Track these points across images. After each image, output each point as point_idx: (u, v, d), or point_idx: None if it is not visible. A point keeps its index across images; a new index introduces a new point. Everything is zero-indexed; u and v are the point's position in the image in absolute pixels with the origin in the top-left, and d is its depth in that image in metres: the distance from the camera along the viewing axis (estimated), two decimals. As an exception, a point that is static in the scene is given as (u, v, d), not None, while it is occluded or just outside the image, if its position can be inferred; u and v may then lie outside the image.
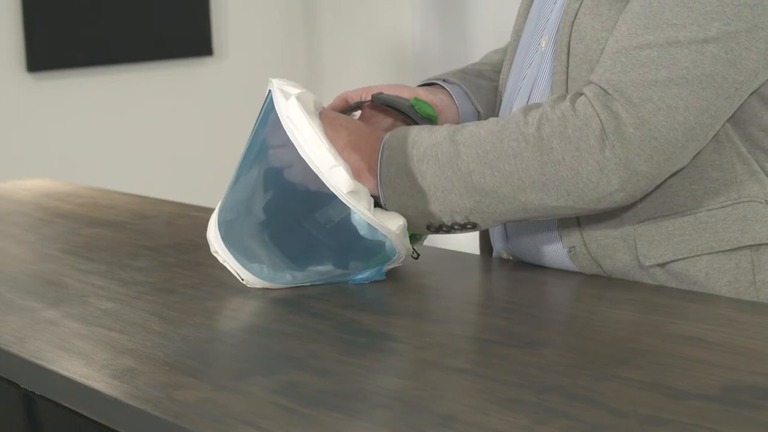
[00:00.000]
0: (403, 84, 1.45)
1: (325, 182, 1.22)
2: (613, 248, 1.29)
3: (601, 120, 1.17)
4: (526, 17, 1.43)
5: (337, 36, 4.63)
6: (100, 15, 4.03)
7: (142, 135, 4.20)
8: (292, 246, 1.29)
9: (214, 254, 1.33)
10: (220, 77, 4.43)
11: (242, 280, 1.31)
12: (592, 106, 1.18)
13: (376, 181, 1.26)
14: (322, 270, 1.30)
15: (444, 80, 1.47)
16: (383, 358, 1.09)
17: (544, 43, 1.35)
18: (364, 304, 1.28)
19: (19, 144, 3.90)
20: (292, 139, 1.23)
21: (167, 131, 4.27)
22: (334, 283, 1.32)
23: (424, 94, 1.44)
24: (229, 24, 4.45)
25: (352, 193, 1.23)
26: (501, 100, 1.44)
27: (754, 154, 1.28)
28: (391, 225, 1.25)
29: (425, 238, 1.42)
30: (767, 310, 1.22)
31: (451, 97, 1.45)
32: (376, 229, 1.24)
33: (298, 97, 1.24)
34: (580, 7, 1.27)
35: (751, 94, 1.24)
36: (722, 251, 1.26)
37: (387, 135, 1.28)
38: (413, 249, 1.33)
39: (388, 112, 1.43)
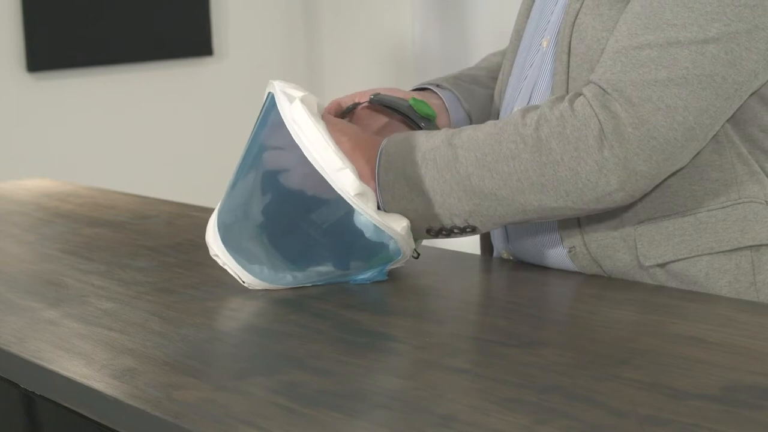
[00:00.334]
0: (396, 88, 1.45)
1: (332, 185, 1.22)
2: (613, 248, 1.29)
3: (599, 120, 1.17)
4: (527, 17, 1.43)
5: (337, 36, 4.63)
6: (100, 15, 4.03)
7: (142, 135, 4.21)
8: (292, 247, 1.29)
9: (214, 257, 1.33)
10: (220, 77, 4.43)
11: (243, 282, 1.31)
12: (591, 106, 1.18)
13: (376, 187, 1.26)
14: (323, 270, 1.30)
15: (437, 85, 1.47)
16: (383, 358, 1.09)
17: (545, 44, 1.34)
18: (364, 304, 1.28)
19: (19, 144, 3.90)
20: (297, 142, 1.23)
21: (167, 131, 4.28)
22: (334, 283, 1.32)
23: (419, 97, 1.43)
24: (229, 24, 4.46)
25: (360, 195, 1.23)
26: (501, 101, 1.44)
27: (754, 154, 1.28)
28: (397, 226, 1.25)
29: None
30: (767, 311, 1.22)
31: (443, 102, 1.45)
32: (382, 231, 1.24)
33: (302, 100, 1.24)
34: (581, 7, 1.27)
35: (752, 94, 1.24)
36: (722, 252, 1.26)
37: (385, 141, 1.28)
38: (414, 249, 1.33)
39: (383, 112, 1.43)
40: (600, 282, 1.31)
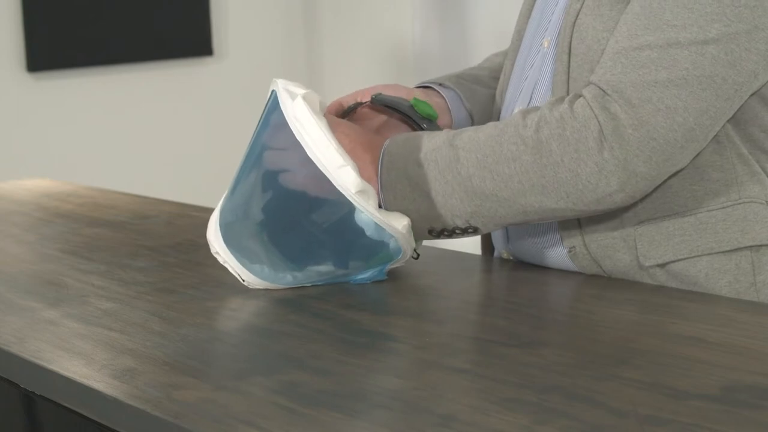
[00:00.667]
0: (397, 84, 1.45)
1: (333, 182, 1.22)
2: (614, 248, 1.29)
3: (599, 121, 1.17)
4: (528, 17, 1.43)
5: (337, 36, 4.63)
6: (100, 15, 4.03)
7: (142, 135, 4.21)
8: (293, 246, 1.29)
9: (215, 255, 1.33)
10: (220, 77, 4.43)
11: (243, 281, 1.31)
12: (591, 107, 1.18)
13: (378, 187, 1.26)
14: (323, 270, 1.30)
15: (440, 84, 1.47)
16: (383, 358, 1.09)
17: (546, 44, 1.35)
18: (364, 304, 1.28)
19: (19, 144, 3.90)
20: (299, 139, 1.23)
21: (167, 131, 4.28)
22: (334, 284, 1.32)
23: (421, 95, 1.44)
24: (229, 24, 4.46)
25: (361, 192, 1.23)
26: (502, 101, 1.44)
27: (755, 155, 1.28)
28: (398, 224, 1.25)
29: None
30: (767, 311, 1.22)
31: (446, 102, 1.45)
32: (383, 229, 1.24)
33: (305, 98, 1.24)
34: (581, 7, 1.27)
35: (752, 95, 1.24)
36: (722, 252, 1.26)
37: (388, 141, 1.28)
38: (414, 249, 1.33)
39: (384, 111, 1.43)
40: (600, 282, 1.31)
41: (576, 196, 1.19)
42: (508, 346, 1.10)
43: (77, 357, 1.12)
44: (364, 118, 1.43)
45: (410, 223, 1.26)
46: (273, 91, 1.29)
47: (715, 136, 1.24)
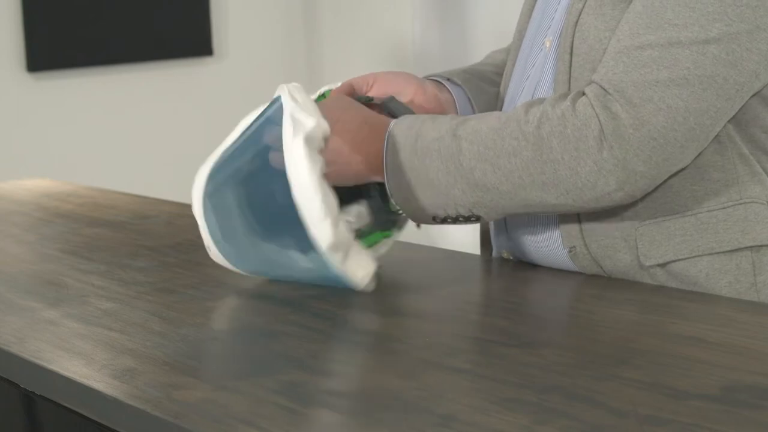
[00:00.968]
0: (408, 72, 1.45)
1: (309, 231, 1.23)
2: (614, 248, 1.29)
3: (600, 120, 1.17)
4: (529, 17, 1.44)
5: (337, 36, 4.63)
6: (100, 15, 4.03)
7: (142, 135, 4.20)
8: (262, 220, 1.30)
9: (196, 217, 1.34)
10: (220, 77, 4.42)
11: (209, 251, 1.33)
12: (592, 106, 1.18)
13: (384, 174, 1.26)
14: (282, 262, 1.30)
15: (448, 79, 1.47)
16: (383, 358, 1.09)
17: (548, 43, 1.35)
18: (364, 304, 1.28)
19: (19, 144, 3.90)
20: (289, 176, 1.23)
21: (167, 131, 4.27)
22: (327, 286, 1.32)
23: (432, 89, 1.44)
24: (229, 24, 4.45)
25: (331, 247, 1.23)
26: (504, 100, 1.44)
27: (756, 155, 1.28)
28: (360, 273, 1.26)
29: (394, 238, 1.43)
30: (767, 311, 1.22)
31: (453, 99, 1.46)
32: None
33: (306, 139, 1.23)
34: (583, 7, 1.27)
35: (753, 95, 1.24)
36: (723, 252, 1.26)
37: (391, 125, 1.28)
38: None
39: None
40: (600, 282, 1.31)
41: (575, 194, 1.19)
42: (508, 346, 1.10)
43: (77, 357, 1.12)
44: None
45: (372, 273, 1.27)
46: (279, 101, 1.28)
47: (717, 136, 1.24)
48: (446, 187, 1.24)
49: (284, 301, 1.29)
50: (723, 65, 1.16)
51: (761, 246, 1.26)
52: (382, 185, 1.33)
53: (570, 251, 1.32)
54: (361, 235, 1.38)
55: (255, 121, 1.32)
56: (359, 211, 1.42)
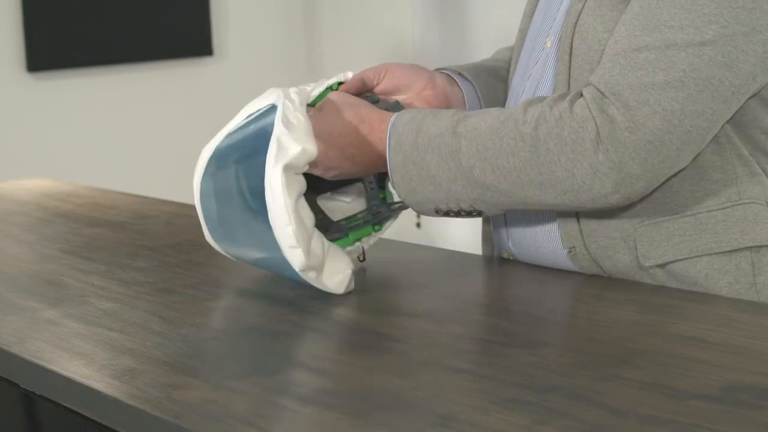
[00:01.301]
0: (419, 65, 1.46)
1: (282, 253, 1.25)
2: (613, 249, 1.29)
3: (596, 123, 1.17)
4: (531, 17, 1.44)
5: (337, 36, 4.63)
6: (100, 15, 4.03)
7: (142, 135, 4.21)
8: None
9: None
10: (220, 77, 4.43)
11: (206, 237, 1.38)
12: (589, 108, 1.18)
13: (388, 168, 1.28)
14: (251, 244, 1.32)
15: (459, 74, 1.47)
16: (383, 358, 1.09)
17: (549, 44, 1.35)
18: (364, 304, 1.28)
19: (19, 144, 3.90)
20: (266, 200, 1.24)
21: (167, 131, 4.27)
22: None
23: (442, 82, 1.44)
24: (229, 24, 4.45)
25: (304, 269, 1.26)
26: (507, 98, 1.45)
27: (755, 156, 1.28)
28: (336, 279, 1.29)
29: (375, 237, 1.44)
30: (767, 311, 1.22)
31: (463, 94, 1.46)
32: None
33: (285, 168, 1.24)
34: (583, 8, 1.27)
35: (752, 96, 1.24)
36: (722, 252, 1.26)
37: (393, 119, 1.29)
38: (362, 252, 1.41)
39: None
40: (600, 282, 1.31)
41: (572, 195, 1.19)
42: (508, 346, 1.10)
43: (77, 357, 1.12)
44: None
45: (350, 276, 1.30)
46: (274, 105, 1.29)
47: (715, 137, 1.24)
48: (447, 182, 1.24)
49: (284, 301, 1.29)
50: (719, 67, 1.16)
51: (761, 246, 1.26)
52: (380, 175, 1.35)
53: (569, 251, 1.32)
54: (351, 227, 1.39)
55: (255, 118, 1.32)
56: (355, 195, 1.44)
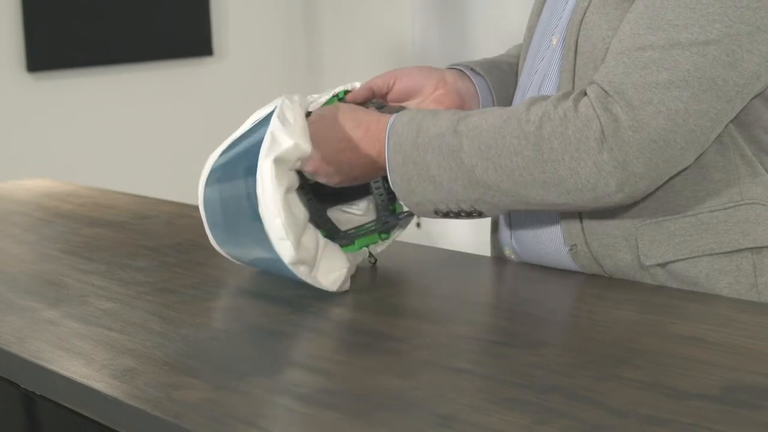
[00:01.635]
0: (429, 66, 1.46)
1: (271, 246, 1.25)
2: (615, 247, 1.29)
3: (601, 122, 1.17)
4: (539, 16, 1.44)
5: (337, 36, 4.63)
6: (100, 15, 4.03)
7: (142, 135, 4.21)
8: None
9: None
10: (220, 77, 4.43)
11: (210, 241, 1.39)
12: (594, 107, 1.18)
13: (386, 168, 1.28)
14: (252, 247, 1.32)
15: (471, 68, 1.47)
16: (383, 358, 1.09)
17: (554, 41, 1.35)
18: (364, 304, 1.28)
19: (19, 144, 3.90)
20: (257, 192, 1.25)
21: (167, 131, 4.28)
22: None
23: (453, 79, 1.44)
24: (229, 24, 4.45)
25: (294, 262, 1.26)
26: (514, 95, 1.45)
27: (758, 156, 1.27)
28: (331, 277, 1.29)
29: (386, 243, 1.44)
30: (767, 311, 1.22)
31: (476, 89, 1.46)
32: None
33: (276, 160, 1.25)
34: (588, 5, 1.28)
35: (756, 96, 1.23)
36: (723, 253, 1.26)
37: (392, 119, 1.29)
38: (371, 255, 1.41)
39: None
40: (600, 282, 1.31)
41: (576, 194, 1.19)
42: (508, 346, 1.10)
43: (77, 357, 1.12)
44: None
45: (345, 275, 1.30)
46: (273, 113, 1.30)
47: (719, 137, 1.24)
48: (448, 182, 1.24)
49: (284, 301, 1.29)
50: (723, 67, 1.16)
51: (762, 247, 1.26)
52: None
53: (571, 249, 1.32)
54: (358, 235, 1.39)
55: (259, 124, 1.33)
56: (366, 207, 1.44)
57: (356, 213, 1.46)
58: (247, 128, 1.35)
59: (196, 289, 1.36)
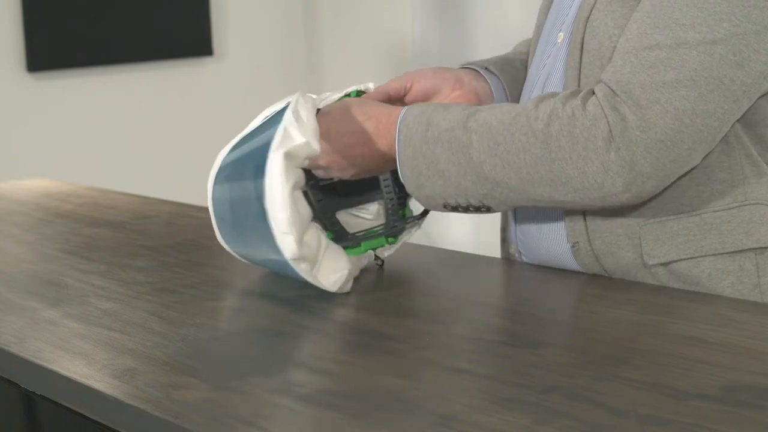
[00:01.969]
0: (442, 67, 1.46)
1: (274, 240, 1.25)
2: (617, 246, 1.29)
3: (608, 121, 1.17)
4: (546, 14, 1.45)
5: (337, 36, 4.63)
6: (100, 15, 4.03)
7: (142, 135, 4.20)
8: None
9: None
10: (220, 77, 4.43)
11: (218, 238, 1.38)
12: (601, 106, 1.18)
13: (396, 161, 1.28)
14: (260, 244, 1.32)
15: (485, 68, 1.47)
16: (383, 358, 1.09)
17: (560, 38, 1.35)
18: (364, 304, 1.28)
19: (19, 144, 3.90)
20: (264, 185, 1.25)
21: (167, 131, 4.27)
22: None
23: (469, 79, 1.44)
24: (229, 24, 4.45)
25: (295, 258, 1.25)
26: (522, 91, 1.45)
27: (764, 156, 1.27)
28: (332, 278, 1.29)
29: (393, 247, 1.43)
30: (767, 311, 1.22)
31: (490, 88, 1.46)
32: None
33: (286, 155, 1.25)
34: (594, 3, 1.28)
35: (762, 96, 1.23)
36: (726, 253, 1.26)
37: (403, 112, 1.29)
38: (377, 257, 1.41)
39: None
40: (601, 282, 1.31)
41: (583, 193, 1.19)
42: (508, 346, 1.10)
43: (77, 357, 1.12)
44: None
45: (346, 276, 1.30)
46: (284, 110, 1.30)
47: (724, 136, 1.24)
48: (457, 177, 1.25)
49: (284, 301, 1.29)
50: (730, 66, 1.16)
51: (765, 248, 1.26)
52: (402, 193, 1.35)
53: (573, 246, 1.32)
54: (365, 238, 1.39)
55: (270, 120, 1.33)
56: (377, 211, 1.44)
57: (366, 217, 1.45)
58: (258, 124, 1.35)
59: (196, 289, 1.36)
